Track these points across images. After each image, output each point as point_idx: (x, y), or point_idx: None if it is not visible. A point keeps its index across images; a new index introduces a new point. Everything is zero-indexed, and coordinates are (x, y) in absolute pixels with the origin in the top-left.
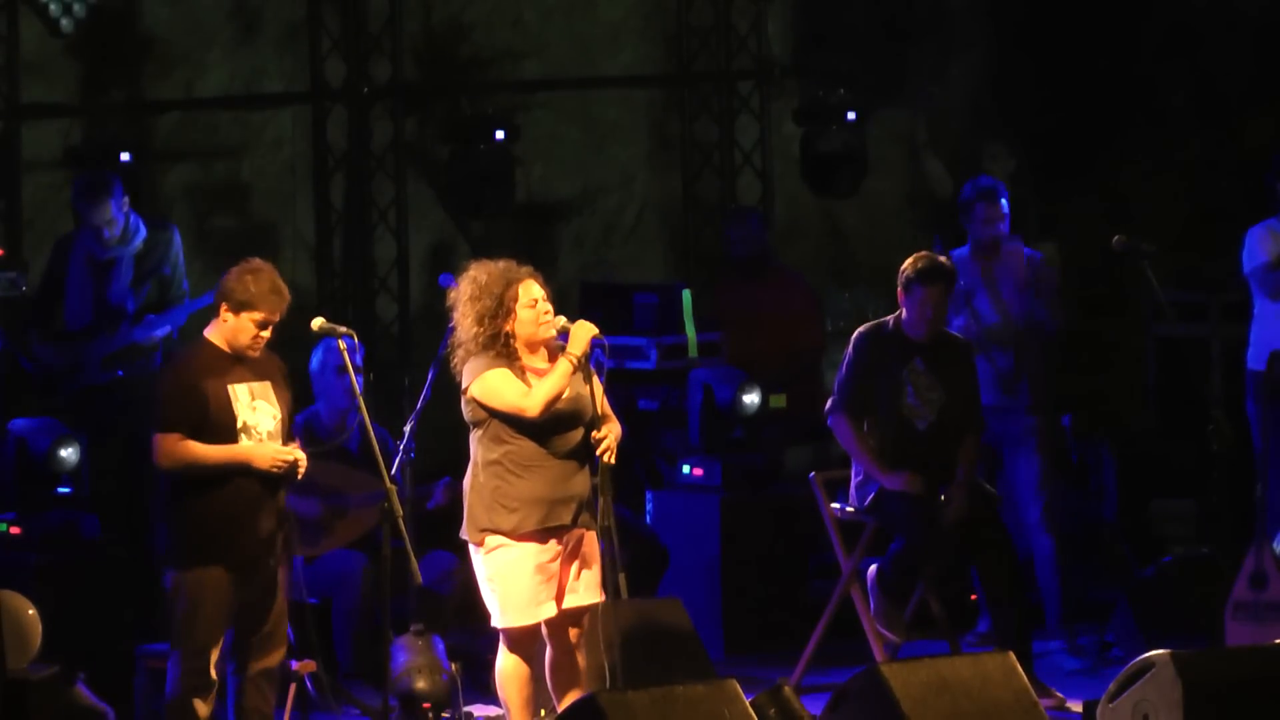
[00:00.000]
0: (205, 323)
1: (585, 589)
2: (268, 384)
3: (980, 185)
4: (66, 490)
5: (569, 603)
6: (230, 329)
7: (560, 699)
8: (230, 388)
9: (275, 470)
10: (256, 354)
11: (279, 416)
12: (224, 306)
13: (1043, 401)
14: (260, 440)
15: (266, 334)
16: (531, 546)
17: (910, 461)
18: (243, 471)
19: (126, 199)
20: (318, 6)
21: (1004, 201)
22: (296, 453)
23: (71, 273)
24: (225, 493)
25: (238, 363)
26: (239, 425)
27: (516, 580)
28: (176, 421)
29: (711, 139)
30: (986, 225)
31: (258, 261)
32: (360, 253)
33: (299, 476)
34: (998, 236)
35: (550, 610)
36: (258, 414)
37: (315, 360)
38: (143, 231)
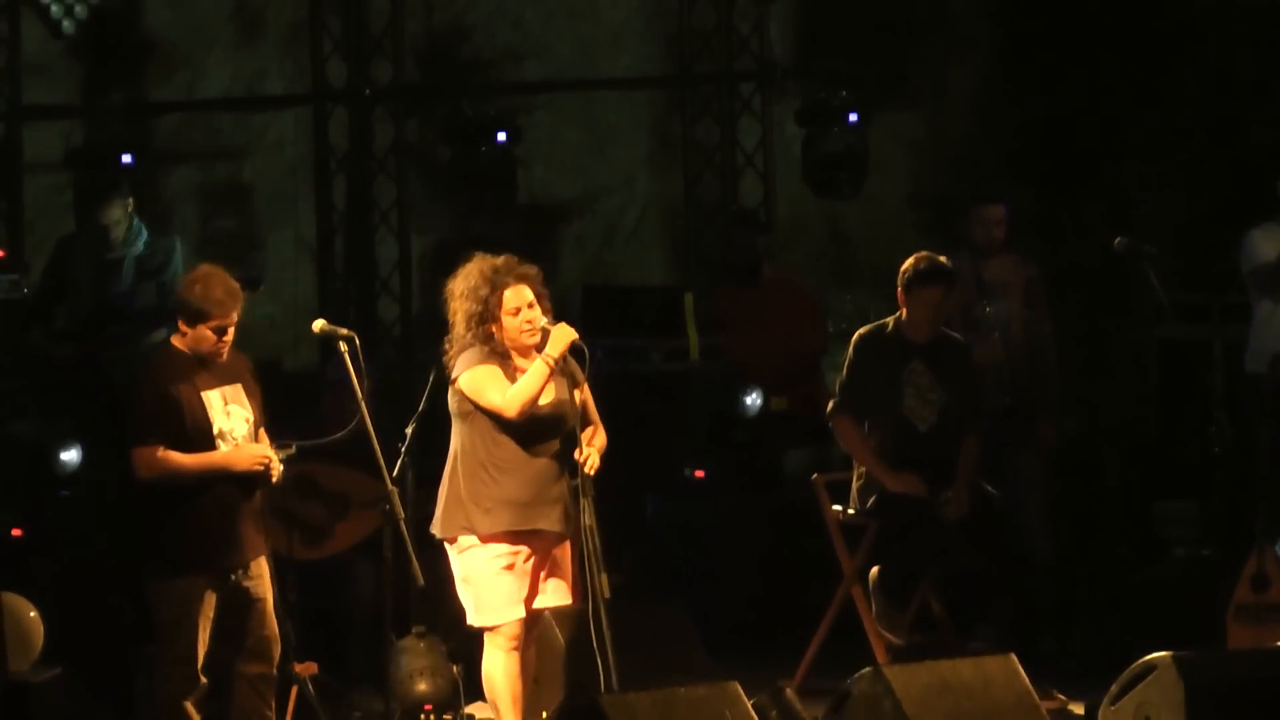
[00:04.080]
0: None
1: (553, 592)
2: (238, 386)
3: (982, 188)
4: (67, 492)
5: (537, 604)
6: (191, 340)
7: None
8: (204, 395)
9: (258, 469)
10: (222, 358)
11: (251, 418)
12: (180, 321)
13: (1051, 403)
14: (236, 445)
15: (228, 338)
16: (502, 547)
17: (911, 463)
18: (221, 479)
19: (131, 201)
20: (319, 8)
21: (1003, 206)
22: (273, 453)
23: (76, 272)
24: (203, 503)
25: (205, 367)
26: (215, 432)
27: (489, 580)
28: (153, 433)
29: (713, 140)
30: (990, 227)
31: (204, 268)
32: (362, 254)
33: (274, 480)
34: (996, 240)
35: (523, 610)
36: (232, 419)
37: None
38: (145, 234)
